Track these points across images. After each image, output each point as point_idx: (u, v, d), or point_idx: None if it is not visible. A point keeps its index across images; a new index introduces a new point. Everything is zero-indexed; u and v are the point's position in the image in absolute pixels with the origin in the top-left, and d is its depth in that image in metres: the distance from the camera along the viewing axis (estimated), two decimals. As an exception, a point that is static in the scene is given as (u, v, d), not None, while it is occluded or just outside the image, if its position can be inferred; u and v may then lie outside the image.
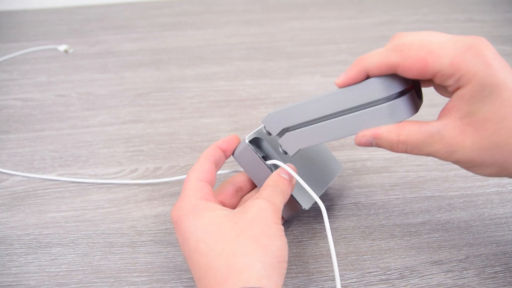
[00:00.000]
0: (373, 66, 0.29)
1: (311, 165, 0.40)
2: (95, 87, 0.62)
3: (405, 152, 0.30)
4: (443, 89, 0.30)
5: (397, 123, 0.30)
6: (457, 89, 0.28)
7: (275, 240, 0.29)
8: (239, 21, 0.81)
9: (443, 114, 0.29)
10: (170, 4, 0.89)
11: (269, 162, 0.36)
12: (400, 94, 0.30)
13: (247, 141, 0.36)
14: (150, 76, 0.64)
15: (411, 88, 0.31)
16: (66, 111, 0.57)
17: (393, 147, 0.30)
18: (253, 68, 0.66)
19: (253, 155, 0.36)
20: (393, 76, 0.30)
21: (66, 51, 0.71)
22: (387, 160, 0.47)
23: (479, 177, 0.45)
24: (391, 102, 0.30)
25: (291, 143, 0.35)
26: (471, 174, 0.45)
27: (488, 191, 0.44)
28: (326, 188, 0.39)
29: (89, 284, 0.35)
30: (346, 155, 0.48)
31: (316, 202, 0.34)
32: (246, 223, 0.29)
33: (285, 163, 0.35)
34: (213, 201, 0.33)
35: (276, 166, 0.36)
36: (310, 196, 0.36)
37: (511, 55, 0.69)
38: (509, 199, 0.43)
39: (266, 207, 0.30)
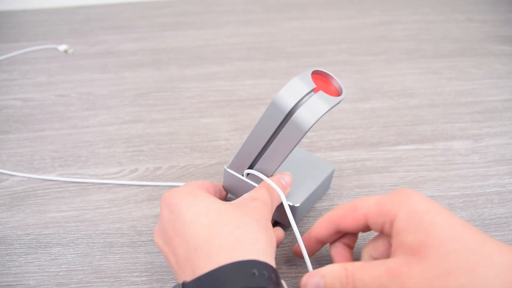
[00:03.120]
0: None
1: (296, 168, 0.41)
2: (95, 87, 0.62)
3: None
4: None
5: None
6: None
7: (271, 226, 0.31)
8: (239, 21, 0.81)
9: None
10: (170, 4, 0.89)
11: (248, 171, 0.37)
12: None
13: (226, 167, 0.38)
14: (150, 76, 0.64)
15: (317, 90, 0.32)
16: (66, 111, 0.57)
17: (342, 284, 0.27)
18: (253, 68, 0.66)
19: (235, 177, 0.38)
20: (291, 89, 0.31)
21: (66, 51, 0.71)
22: (387, 160, 0.47)
23: (479, 177, 0.45)
24: (293, 116, 0.31)
25: (255, 179, 0.37)
26: (471, 174, 0.45)
27: (488, 191, 0.44)
28: (315, 187, 0.39)
29: (89, 284, 0.35)
30: (346, 155, 0.48)
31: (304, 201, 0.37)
32: (247, 210, 0.31)
33: None
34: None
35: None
36: (300, 195, 0.38)
37: (511, 55, 0.69)
38: (509, 199, 0.43)
39: (262, 206, 0.32)
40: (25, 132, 0.53)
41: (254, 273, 0.25)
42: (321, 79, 0.33)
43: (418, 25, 0.79)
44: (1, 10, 0.88)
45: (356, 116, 0.54)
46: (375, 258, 0.30)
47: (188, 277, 0.27)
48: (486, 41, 0.73)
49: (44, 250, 0.38)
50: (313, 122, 0.31)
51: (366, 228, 0.30)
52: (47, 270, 0.37)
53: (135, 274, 0.36)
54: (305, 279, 0.28)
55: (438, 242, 0.24)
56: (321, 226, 0.32)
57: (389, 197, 0.28)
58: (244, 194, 0.34)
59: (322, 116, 0.31)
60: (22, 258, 0.38)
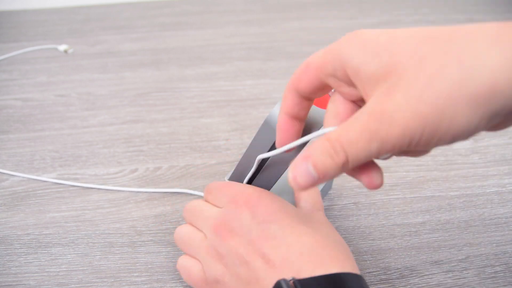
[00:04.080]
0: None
1: None
2: (95, 87, 0.62)
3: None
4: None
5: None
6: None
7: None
8: (239, 21, 0.81)
9: None
10: (170, 4, 0.89)
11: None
12: None
13: (226, 179, 0.37)
14: (150, 76, 0.64)
15: None
16: (66, 111, 0.57)
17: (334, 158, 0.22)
18: (253, 68, 0.66)
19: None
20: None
21: (66, 51, 0.71)
22: (387, 160, 0.47)
23: (479, 177, 0.45)
24: None
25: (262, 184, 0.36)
26: (471, 174, 0.45)
27: (488, 191, 0.44)
28: (321, 188, 0.39)
29: (89, 284, 0.35)
30: (346, 155, 0.48)
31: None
32: (324, 224, 0.31)
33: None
34: None
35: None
36: None
37: (511, 55, 0.69)
38: (509, 199, 0.43)
39: (328, 222, 0.32)
40: (25, 132, 0.53)
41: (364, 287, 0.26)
42: None
43: (418, 25, 0.79)
44: (1, 10, 0.88)
45: (356, 116, 0.54)
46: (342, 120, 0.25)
47: (290, 276, 0.26)
48: (486, 41, 0.73)
49: (44, 250, 0.38)
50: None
51: (326, 86, 0.25)
52: (47, 270, 0.37)
53: (135, 274, 0.36)
54: (291, 170, 0.23)
55: (407, 55, 0.20)
56: (285, 98, 0.27)
57: (336, 41, 0.23)
58: (303, 204, 0.32)
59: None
60: (22, 258, 0.38)
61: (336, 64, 0.23)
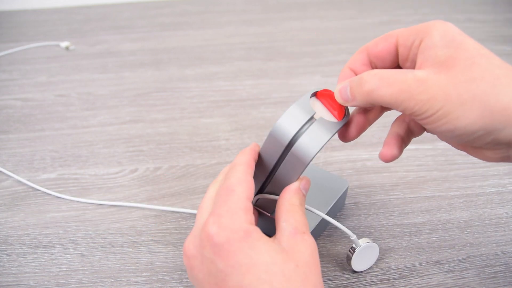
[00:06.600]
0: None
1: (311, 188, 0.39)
2: (95, 87, 0.62)
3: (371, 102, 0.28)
4: None
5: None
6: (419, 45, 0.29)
7: (320, 272, 0.29)
8: (239, 21, 0.81)
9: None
10: (170, 4, 0.89)
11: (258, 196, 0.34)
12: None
13: None
14: (150, 76, 0.64)
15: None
16: (66, 111, 0.57)
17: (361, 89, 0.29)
18: (253, 68, 0.66)
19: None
20: (292, 118, 0.30)
21: (67, 48, 0.71)
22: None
23: (479, 177, 0.45)
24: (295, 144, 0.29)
25: (264, 205, 0.35)
26: (471, 174, 0.45)
27: (488, 191, 0.44)
28: (332, 205, 0.38)
29: (89, 284, 0.35)
30: (346, 155, 0.48)
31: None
32: (306, 267, 0.28)
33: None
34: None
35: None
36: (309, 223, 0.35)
37: (511, 55, 0.69)
38: (509, 199, 0.43)
39: (314, 246, 0.29)
40: (25, 132, 0.53)
41: None
42: (328, 96, 0.31)
43: (418, 25, 0.79)
44: (1, 10, 0.88)
45: (356, 116, 0.54)
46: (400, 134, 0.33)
47: None
48: (486, 41, 0.73)
49: (44, 250, 0.38)
50: (314, 153, 0.29)
51: (395, 57, 0.32)
52: (47, 270, 0.37)
53: (135, 274, 0.36)
54: (338, 85, 0.31)
55: (467, 56, 0.26)
56: (353, 57, 0.33)
57: (422, 24, 0.30)
58: (284, 224, 0.30)
59: (325, 144, 0.29)
60: (22, 258, 0.38)
61: (418, 37, 0.29)
